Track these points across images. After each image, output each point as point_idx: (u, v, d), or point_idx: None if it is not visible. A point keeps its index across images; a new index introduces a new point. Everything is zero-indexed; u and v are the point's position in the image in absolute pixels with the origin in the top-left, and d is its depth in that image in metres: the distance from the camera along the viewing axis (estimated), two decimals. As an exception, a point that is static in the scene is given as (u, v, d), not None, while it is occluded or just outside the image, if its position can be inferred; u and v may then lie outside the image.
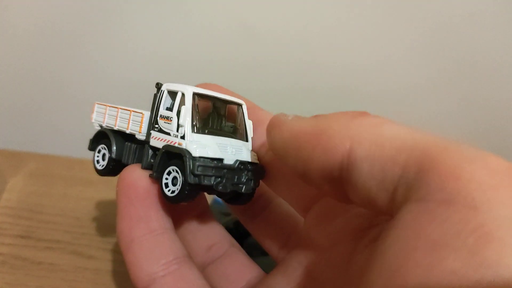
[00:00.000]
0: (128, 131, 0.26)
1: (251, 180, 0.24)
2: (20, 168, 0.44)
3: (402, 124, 0.17)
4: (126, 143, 0.26)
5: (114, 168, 0.27)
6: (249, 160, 0.24)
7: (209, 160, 0.22)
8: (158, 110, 0.24)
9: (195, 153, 0.22)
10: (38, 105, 0.48)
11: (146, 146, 0.25)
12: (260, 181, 0.25)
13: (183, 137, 0.23)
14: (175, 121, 0.23)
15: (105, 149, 0.27)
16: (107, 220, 0.39)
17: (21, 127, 0.50)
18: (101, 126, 0.28)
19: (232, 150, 0.24)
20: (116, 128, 0.26)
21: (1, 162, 0.43)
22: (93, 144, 0.28)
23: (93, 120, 0.28)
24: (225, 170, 0.23)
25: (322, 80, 0.48)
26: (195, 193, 0.23)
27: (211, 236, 0.27)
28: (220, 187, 0.22)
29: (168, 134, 0.23)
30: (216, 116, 0.25)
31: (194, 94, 0.23)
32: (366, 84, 0.48)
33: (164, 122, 0.24)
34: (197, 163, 0.22)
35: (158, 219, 0.24)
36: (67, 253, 0.35)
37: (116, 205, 0.24)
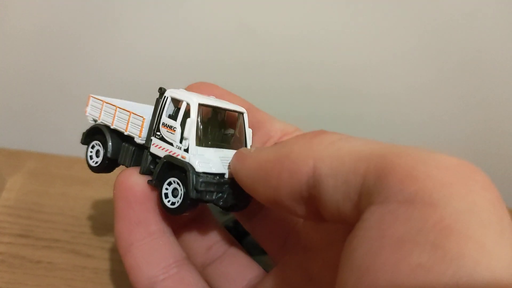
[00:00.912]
0: (126, 133, 0.25)
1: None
2: (19, 167, 0.44)
3: (358, 138, 0.19)
4: (123, 143, 0.26)
5: (108, 166, 0.26)
6: None
7: (211, 176, 0.22)
8: (161, 117, 0.24)
9: (199, 168, 0.22)
10: (37, 104, 0.48)
11: (146, 151, 0.24)
12: None
13: (186, 150, 0.23)
14: (178, 132, 0.23)
15: (99, 145, 0.26)
16: (105, 219, 0.39)
17: (20, 126, 0.50)
18: (95, 121, 0.27)
19: None
20: (113, 127, 0.26)
21: (0, 161, 0.43)
22: (86, 139, 0.27)
23: (87, 114, 0.27)
24: (226, 186, 0.23)
25: (322, 80, 0.48)
26: (195, 206, 0.23)
27: (211, 236, 0.27)
28: (221, 203, 0.23)
29: (171, 144, 0.23)
30: (217, 124, 0.25)
31: (200, 105, 0.23)
32: (367, 84, 0.48)
33: (167, 131, 0.23)
34: (200, 179, 0.22)
35: (157, 223, 0.24)
36: (65, 252, 0.35)
37: (114, 208, 0.24)
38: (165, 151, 0.23)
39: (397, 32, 0.46)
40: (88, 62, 0.46)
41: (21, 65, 0.47)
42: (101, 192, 0.42)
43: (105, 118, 0.26)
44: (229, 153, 0.24)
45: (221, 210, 0.26)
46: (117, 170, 0.26)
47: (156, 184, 0.23)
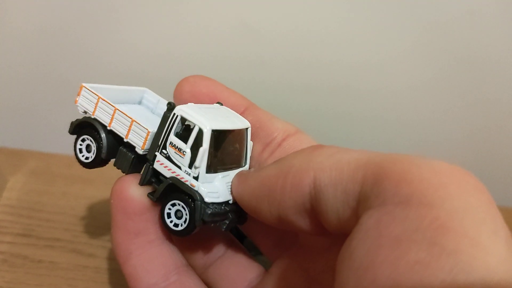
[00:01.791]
0: (126, 140, 0.24)
1: None
2: (20, 166, 0.44)
3: (355, 150, 0.19)
4: (121, 148, 0.25)
5: (100, 164, 0.25)
6: None
7: (218, 206, 0.22)
8: (168, 135, 0.23)
9: (208, 199, 0.22)
10: (38, 103, 0.48)
11: (148, 164, 0.24)
12: None
13: (196, 178, 0.22)
14: (188, 157, 0.22)
15: (91, 141, 0.25)
16: (107, 219, 0.39)
17: (21, 125, 0.49)
18: (85, 113, 0.26)
19: None
20: (110, 128, 0.25)
21: (1, 160, 0.43)
22: (76, 129, 0.26)
23: (77, 104, 0.25)
24: (231, 213, 0.23)
25: (321, 78, 0.48)
26: (198, 230, 0.23)
27: (211, 237, 0.27)
28: (224, 228, 0.23)
29: (179, 167, 0.23)
30: (225, 143, 0.24)
31: (213, 132, 0.22)
32: (367, 82, 0.48)
33: (175, 153, 0.23)
34: (208, 211, 0.22)
35: (157, 231, 0.24)
36: (67, 252, 0.35)
37: (112, 217, 0.24)
38: (172, 172, 0.23)
39: (397, 30, 0.46)
40: (89, 60, 0.46)
41: (22, 64, 0.46)
42: (102, 191, 0.41)
43: (100, 116, 0.25)
44: (233, 174, 0.24)
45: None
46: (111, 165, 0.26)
47: (158, 202, 0.23)
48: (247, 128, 0.25)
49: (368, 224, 0.16)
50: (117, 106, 0.24)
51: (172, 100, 0.25)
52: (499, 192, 0.53)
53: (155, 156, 0.23)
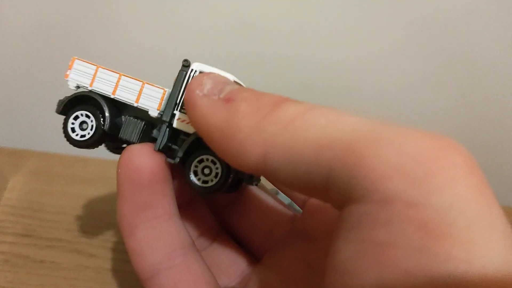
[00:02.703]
0: (136, 105, 0.23)
1: None
2: (21, 166, 0.44)
3: (321, 114, 0.16)
4: (127, 116, 0.23)
5: (98, 141, 0.24)
6: None
7: None
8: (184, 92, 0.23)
9: None
10: (38, 103, 0.48)
11: (164, 126, 0.23)
12: None
13: None
14: None
15: (87, 116, 0.23)
16: (108, 219, 0.39)
17: (21, 125, 0.49)
18: (78, 87, 0.24)
19: None
20: (114, 96, 0.23)
21: (1, 161, 0.43)
22: (66, 107, 0.24)
23: (68, 78, 0.24)
24: None
25: (319, 76, 0.48)
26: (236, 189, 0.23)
27: (201, 224, 0.26)
28: (255, 182, 0.24)
29: None
30: None
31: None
32: (364, 81, 0.48)
33: None
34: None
35: (165, 205, 0.22)
36: (68, 252, 0.35)
37: (117, 188, 0.23)
38: None
39: (394, 29, 0.46)
40: (88, 59, 0.46)
41: (22, 64, 0.46)
42: (103, 191, 0.41)
43: (100, 86, 0.23)
44: None
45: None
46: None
47: (183, 163, 0.22)
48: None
49: (350, 224, 0.14)
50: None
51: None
52: (499, 192, 0.53)
53: (173, 115, 0.23)
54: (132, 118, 0.23)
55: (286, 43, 0.46)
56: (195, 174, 0.22)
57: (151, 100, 0.23)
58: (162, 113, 0.23)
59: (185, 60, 0.23)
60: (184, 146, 0.22)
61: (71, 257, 0.34)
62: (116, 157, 0.24)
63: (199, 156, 0.22)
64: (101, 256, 0.35)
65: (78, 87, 0.24)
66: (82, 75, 0.24)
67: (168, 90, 0.23)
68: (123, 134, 0.23)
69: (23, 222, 0.37)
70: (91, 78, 0.23)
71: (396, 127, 0.14)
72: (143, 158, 0.22)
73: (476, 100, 0.49)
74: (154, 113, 0.23)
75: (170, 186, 0.23)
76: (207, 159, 0.22)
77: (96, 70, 0.23)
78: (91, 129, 0.23)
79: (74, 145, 0.24)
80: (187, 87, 0.20)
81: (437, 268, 0.12)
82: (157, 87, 0.23)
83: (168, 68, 0.47)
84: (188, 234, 0.23)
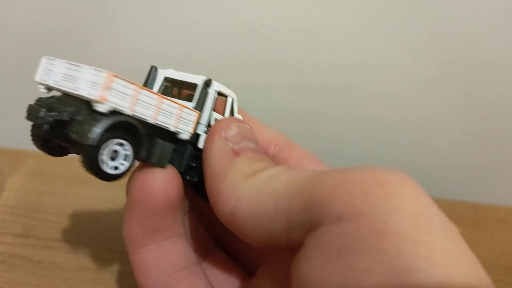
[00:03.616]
0: (174, 129, 0.21)
1: None
2: (19, 166, 0.44)
3: (282, 172, 0.19)
4: (159, 140, 0.21)
5: (130, 169, 0.21)
6: None
7: None
8: (212, 113, 0.23)
9: None
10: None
11: (188, 146, 0.23)
12: None
13: None
14: None
15: (120, 145, 0.19)
16: (106, 219, 0.39)
17: (20, 125, 0.49)
18: (114, 112, 0.19)
19: None
20: (154, 122, 0.20)
21: (0, 161, 0.43)
22: (105, 135, 0.18)
23: (106, 101, 0.18)
24: None
25: (320, 77, 0.48)
26: None
27: (194, 239, 0.26)
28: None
29: None
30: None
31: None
32: (366, 82, 0.48)
33: None
34: None
35: (175, 229, 0.23)
36: (67, 252, 0.35)
37: (127, 208, 0.22)
38: None
39: (397, 30, 0.46)
40: (88, 60, 0.46)
41: (22, 64, 0.46)
42: (101, 192, 0.41)
43: (141, 111, 0.20)
44: None
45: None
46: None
47: (199, 180, 0.23)
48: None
49: (309, 246, 0.16)
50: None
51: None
52: (499, 191, 0.53)
53: (198, 135, 0.23)
54: (162, 141, 0.21)
55: (289, 44, 0.46)
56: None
57: (187, 124, 0.22)
58: (191, 134, 0.23)
59: (210, 80, 0.23)
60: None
61: (70, 258, 0.34)
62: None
63: None
64: (100, 256, 0.35)
65: (114, 112, 0.19)
66: (121, 97, 0.19)
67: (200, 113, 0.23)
68: (154, 159, 0.21)
69: (22, 222, 0.37)
70: (130, 101, 0.19)
71: (338, 168, 0.18)
72: (163, 185, 0.21)
73: (478, 101, 0.49)
74: (185, 136, 0.22)
75: (182, 208, 0.23)
76: None
77: (137, 91, 0.19)
78: (125, 159, 0.20)
79: (104, 179, 0.20)
80: (218, 123, 0.22)
81: (390, 262, 0.14)
82: (192, 110, 0.22)
83: (171, 67, 0.47)
84: (193, 253, 0.24)
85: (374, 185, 0.16)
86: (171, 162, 0.22)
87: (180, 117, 0.21)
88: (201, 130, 0.23)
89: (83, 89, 0.18)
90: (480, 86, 0.48)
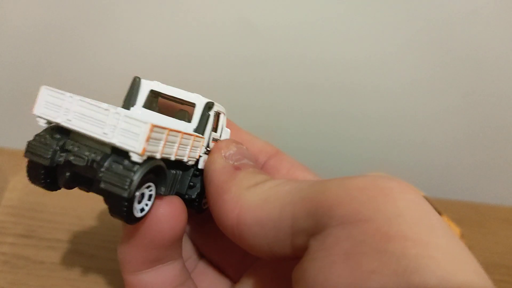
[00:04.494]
0: (186, 159, 0.21)
1: None
2: (22, 167, 0.43)
3: (286, 182, 0.20)
4: (169, 170, 0.21)
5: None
6: None
7: None
8: (211, 134, 0.24)
9: None
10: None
11: (191, 170, 0.23)
12: None
13: None
14: None
15: (147, 187, 0.19)
16: (109, 219, 0.39)
17: (22, 125, 0.49)
18: (149, 159, 0.18)
19: None
20: (174, 158, 0.20)
21: (2, 161, 0.43)
22: (142, 181, 0.18)
23: (145, 152, 0.17)
24: None
25: (322, 76, 0.48)
26: None
27: (184, 252, 0.26)
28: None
29: None
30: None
31: None
32: (368, 81, 0.48)
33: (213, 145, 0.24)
34: None
35: (174, 255, 0.23)
36: (69, 253, 0.35)
37: (125, 234, 0.22)
38: None
39: (399, 28, 0.46)
40: (88, 60, 0.46)
41: (23, 64, 0.46)
42: (104, 192, 0.41)
43: (167, 151, 0.19)
44: None
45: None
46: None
47: (201, 198, 0.24)
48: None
49: (314, 247, 0.17)
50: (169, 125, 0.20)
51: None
52: (501, 191, 0.53)
53: (199, 157, 0.23)
54: (172, 171, 0.22)
55: (289, 43, 0.46)
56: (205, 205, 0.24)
57: (195, 151, 0.22)
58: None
59: (211, 103, 0.23)
60: (201, 181, 0.24)
61: (72, 258, 0.34)
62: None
63: None
64: (102, 257, 0.35)
65: (149, 159, 0.18)
66: (156, 144, 0.18)
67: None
68: (167, 191, 0.21)
69: (24, 222, 0.37)
70: (162, 145, 0.19)
71: (340, 177, 0.18)
72: (171, 222, 0.21)
73: (481, 100, 0.49)
74: (193, 162, 0.22)
75: (183, 235, 0.23)
76: None
77: (167, 134, 0.19)
78: (149, 199, 0.19)
79: (131, 223, 0.19)
80: (217, 144, 0.24)
81: (396, 263, 0.14)
82: (200, 137, 0.22)
83: (172, 68, 0.47)
84: (187, 271, 0.24)
85: (377, 191, 0.17)
86: (176, 186, 0.23)
87: (193, 146, 0.22)
88: (201, 151, 0.23)
89: (117, 138, 0.17)
90: (482, 85, 0.48)
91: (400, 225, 0.15)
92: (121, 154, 0.18)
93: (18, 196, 0.40)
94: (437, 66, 0.47)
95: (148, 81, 0.24)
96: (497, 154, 0.52)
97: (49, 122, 0.20)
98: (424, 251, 0.15)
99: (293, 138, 0.50)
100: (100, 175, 0.18)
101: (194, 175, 0.23)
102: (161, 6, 0.44)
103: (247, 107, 0.47)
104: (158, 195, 0.20)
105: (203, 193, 0.24)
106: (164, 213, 0.21)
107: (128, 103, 0.24)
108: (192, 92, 0.24)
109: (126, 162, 0.18)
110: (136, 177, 0.18)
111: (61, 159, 0.19)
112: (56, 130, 0.20)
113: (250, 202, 0.20)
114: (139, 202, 0.19)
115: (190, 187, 0.23)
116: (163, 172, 0.20)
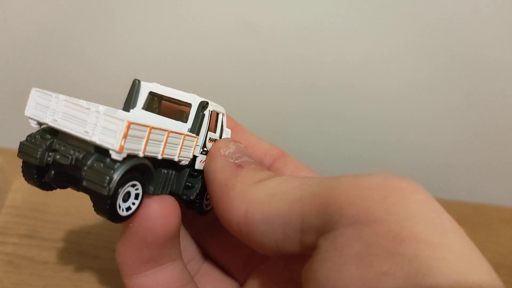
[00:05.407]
0: (177, 159, 0.21)
1: None
2: (25, 167, 0.44)
3: (294, 179, 0.20)
4: (162, 170, 0.21)
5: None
6: None
7: None
8: (207, 133, 0.24)
9: None
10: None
11: (187, 170, 0.23)
12: None
13: None
14: None
15: (132, 186, 0.19)
16: (112, 220, 0.39)
17: (25, 126, 0.49)
18: (129, 157, 0.18)
19: None
20: (161, 157, 0.20)
21: (5, 162, 0.43)
22: (121, 182, 0.18)
23: (123, 150, 0.17)
24: None
25: (323, 77, 0.48)
26: None
27: (187, 253, 0.27)
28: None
29: None
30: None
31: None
32: (369, 82, 0.48)
33: (210, 145, 0.24)
34: None
35: (171, 256, 0.23)
36: (72, 253, 0.35)
37: (123, 232, 0.22)
38: None
39: (400, 28, 0.46)
40: (88, 61, 0.46)
41: (23, 64, 0.47)
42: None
43: (151, 149, 0.19)
44: None
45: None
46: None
47: (199, 198, 0.24)
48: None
49: (324, 247, 0.17)
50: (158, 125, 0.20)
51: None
52: (504, 192, 0.53)
53: (195, 157, 0.23)
54: (165, 170, 0.22)
55: (290, 44, 0.46)
56: (207, 206, 0.25)
57: (187, 150, 0.22)
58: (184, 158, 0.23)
59: (204, 102, 0.23)
60: (200, 184, 0.23)
61: (75, 258, 0.34)
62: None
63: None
64: (105, 257, 0.35)
65: (128, 156, 0.18)
66: (136, 142, 0.18)
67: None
68: (158, 190, 0.21)
69: (27, 223, 0.37)
70: (144, 143, 0.19)
71: (350, 175, 0.18)
72: (163, 220, 0.21)
73: (484, 100, 0.49)
74: (186, 162, 0.22)
75: (179, 234, 0.23)
76: None
77: (149, 132, 0.19)
78: (136, 198, 0.20)
79: (117, 222, 0.20)
80: (215, 143, 0.23)
81: (408, 264, 0.14)
82: (193, 136, 0.22)
83: (172, 69, 0.47)
84: (188, 273, 0.24)
85: (387, 192, 0.16)
86: (171, 186, 0.23)
87: (183, 145, 0.22)
88: (197, 151, 0.23)
89: (97, 136, 0.18)
90: (483, 85, 0.48)
91: (412, 227, 0.15)
92: (103, 152, 0.18)
93: (22, 197, 0.40)
94: (438, 66, 0.47)
95: (147, 83, 0.25)
96: (499, 154, 0.52)
97: (39, 123, 0.20)
98: (436, 253, 0.15)
99: (296, 139, 0.50)
100: (83, 173, 0.18)
101: (191, 175, 0.23)
102: (162, 8, 0.44)
103: (249, 108, 0.47)
104: (147, 194, 0.20)
105: (203, 194, 0.24)
106: (154, 211, 0.21)
107: (128, 105, 0.24)
108: (194, 93, 0.24)
109: (107, 160, 0.18)
110: (116, 175, 0.18)
111: (50, 158, 0.20)
112: (47, 131, 0.21)
113: (257, 198, 0.19)
114: (125, 201, 0.19)
115: (187, 187, 0.23)
116: (149, 171, 0.20)
